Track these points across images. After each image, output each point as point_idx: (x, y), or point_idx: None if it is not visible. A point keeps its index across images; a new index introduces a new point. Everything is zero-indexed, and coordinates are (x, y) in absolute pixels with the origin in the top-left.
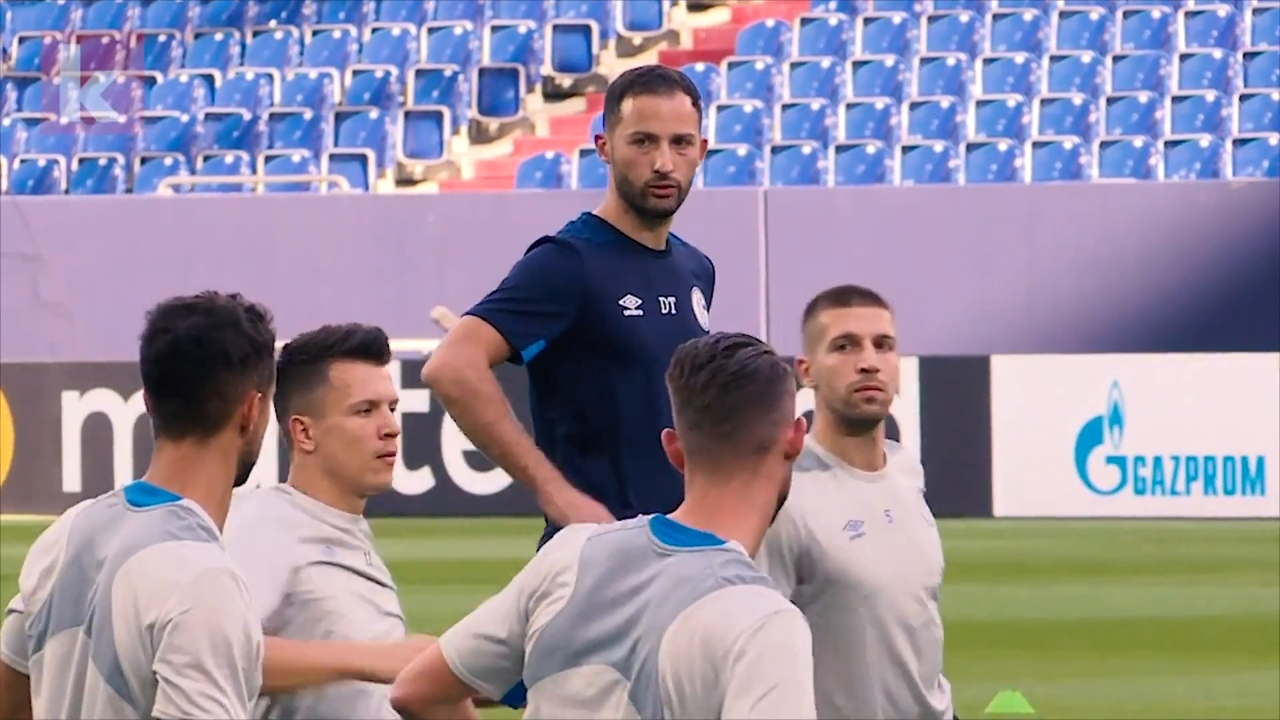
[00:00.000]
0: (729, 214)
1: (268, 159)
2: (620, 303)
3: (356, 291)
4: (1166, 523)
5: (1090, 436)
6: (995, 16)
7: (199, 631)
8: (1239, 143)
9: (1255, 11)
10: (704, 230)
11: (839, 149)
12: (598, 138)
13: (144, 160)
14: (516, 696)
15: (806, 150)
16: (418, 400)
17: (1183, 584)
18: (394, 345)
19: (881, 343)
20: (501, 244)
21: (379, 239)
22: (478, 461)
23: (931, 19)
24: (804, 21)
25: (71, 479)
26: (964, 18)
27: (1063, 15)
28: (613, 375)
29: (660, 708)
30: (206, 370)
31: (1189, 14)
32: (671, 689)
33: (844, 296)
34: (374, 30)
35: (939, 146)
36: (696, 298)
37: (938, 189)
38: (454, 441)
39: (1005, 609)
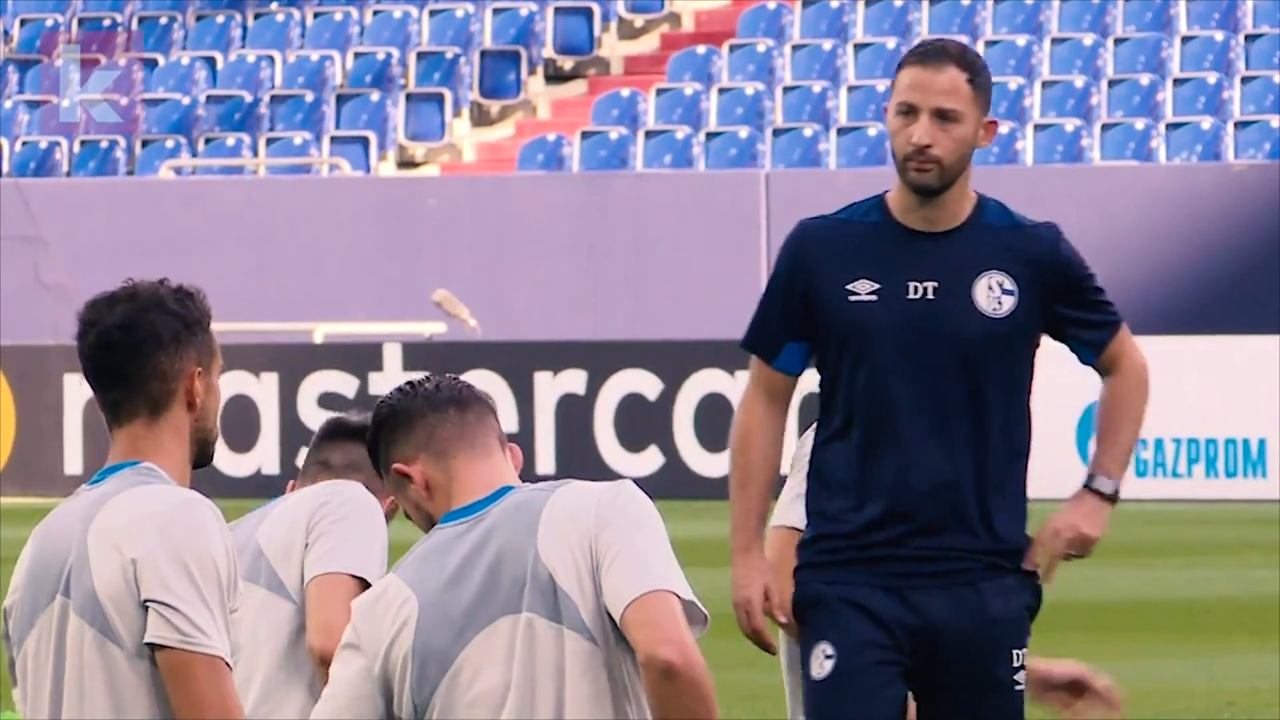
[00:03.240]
0: (730, 197)
1: (269, 141)
2: (848, 287)
3: (358, 274)
4: (1168, 505)
5: (1087, 423)
6: (996, 0)
7: (185, 558)
8: (1240, 125)
9: None
10: (705, 213)
11: (840, 131)
12: (886, 110)
13: (145, 143)
14: None
15: (808, 133)
16: None
17: (1184, 566)
18: (394, 328)
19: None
20: (503, 227)
21: (380, 222)
22: None
23: (933, 1)
24: (805, 4)
25: (73, 462)
26: (965, 1)
27: (1063, 1)
28: (842, 361)
29: (570, 605)
30: (140, 354)
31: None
32: (573, 582)
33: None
34: (375, 12)
35: None
36: (985, 283)
37: None
38: None
39: None
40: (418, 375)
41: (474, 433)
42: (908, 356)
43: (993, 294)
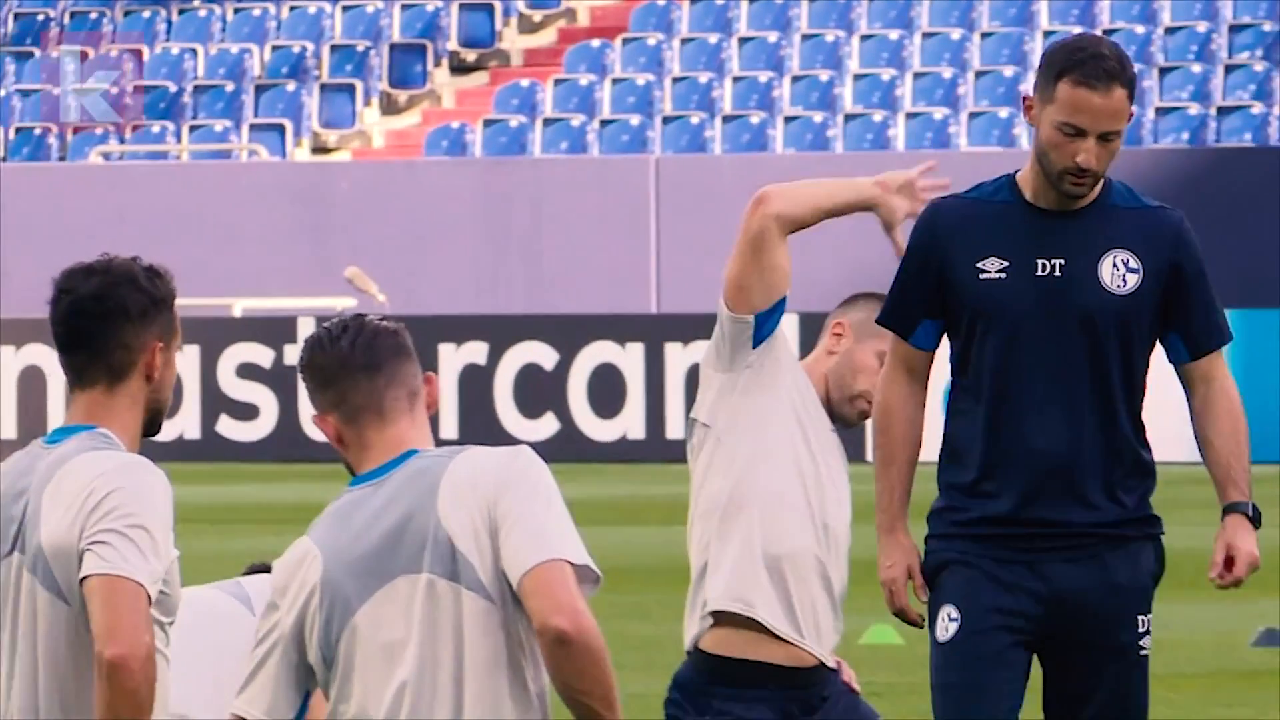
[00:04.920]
0: (623, 180)
1: (192, 129)
2: (978, 265)
3: (274, 252)
4: None
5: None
6: None
7: (127, 504)
8: None
9: None
10: (599, 195)
11: (725, 119)
12: (1026, 99)
13: (76, 130)
14: None
15: (695, 120)
16: None
17: None
18: (308, 303)
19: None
20: (409, 209)
21: (295, 204)
22: None
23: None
24: (693, 0)
25: (8, 428)
26: None
27: None
28: (973, 337)
29: (468, 566)
30: (109, 324)
31: None
32: (471, 544)
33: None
34: (291, 8)
35: (818, 117)
36: (1112, 260)
37: (817, 156)
38: None
39: (874, 548)
40: (341, 320)
41: (383, 398)
42: (1035, 331)
43: (1117, 271)
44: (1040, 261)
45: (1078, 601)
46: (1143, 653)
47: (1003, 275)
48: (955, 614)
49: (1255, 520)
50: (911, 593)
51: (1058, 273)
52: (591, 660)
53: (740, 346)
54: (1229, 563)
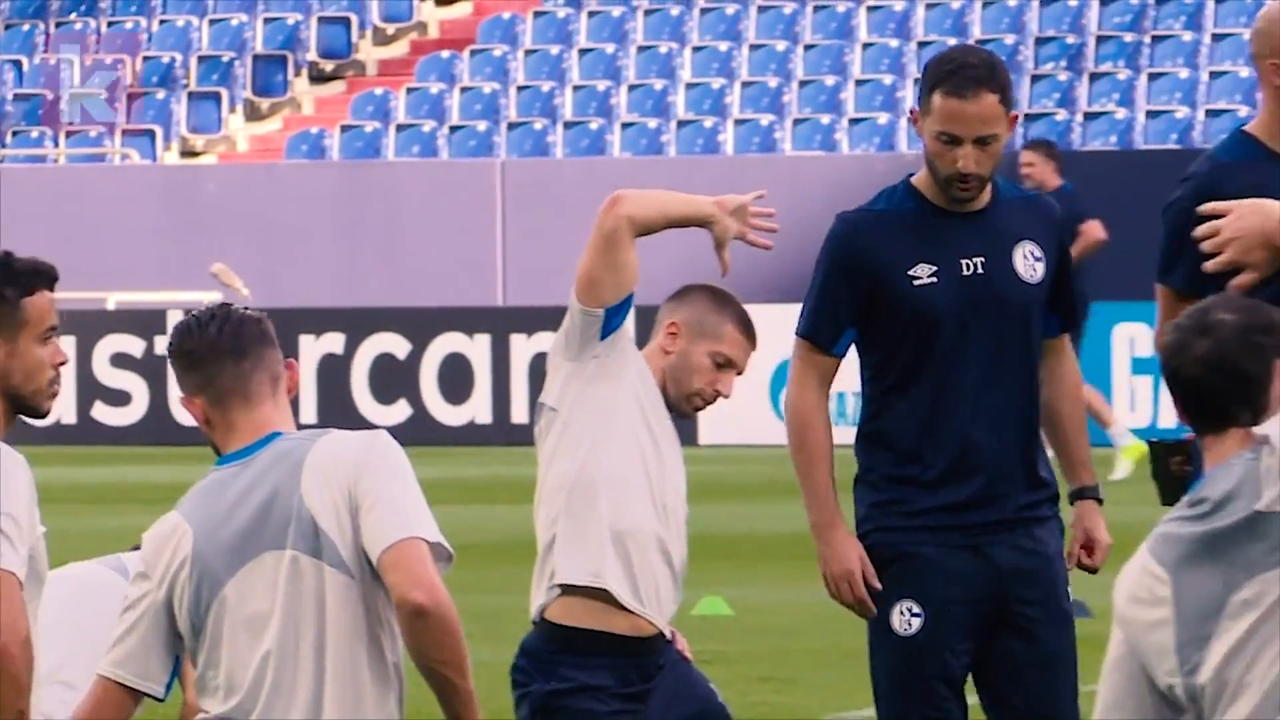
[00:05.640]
0: (471, 183)
1: (68, 134)
2: (910, 273)
3: (145, 249)
4: (847, 448)
5: (783, 376)
6: (702, 10)
7: None
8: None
9: (928, 6)
10: (448, 196)
11: (566, 125)
12: (912, 112)
13: None
14: None
15: (538, 126)
16: None
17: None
18: (178, 296)
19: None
20: (272, 208)
21: (165, 204)
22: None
23: (648, 12)
24: (537, 14)
25: None
26: (675, 11)
27: (761, 9)
28: (907, 339)
29: (330, 543)
30: None
31: (870, 8)
32: (333, 522)
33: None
34: (161, 21)
35: (653, 123)
36: (1021, 253)
37: (652, 160)
38: None
39: (708, 525)
40: (209, 309)
41: (248, 382)
42: (969, 327)
43: (1028, 262)
44: (964, 261)
45: (1023, 579)
46: (1073, 617)
47: (934, 280)
48: (917, 609)
49: (1101, 501)
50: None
51: (980, 270)
52: (447, 632)
53: (589, 338)
54: (1087, 549)
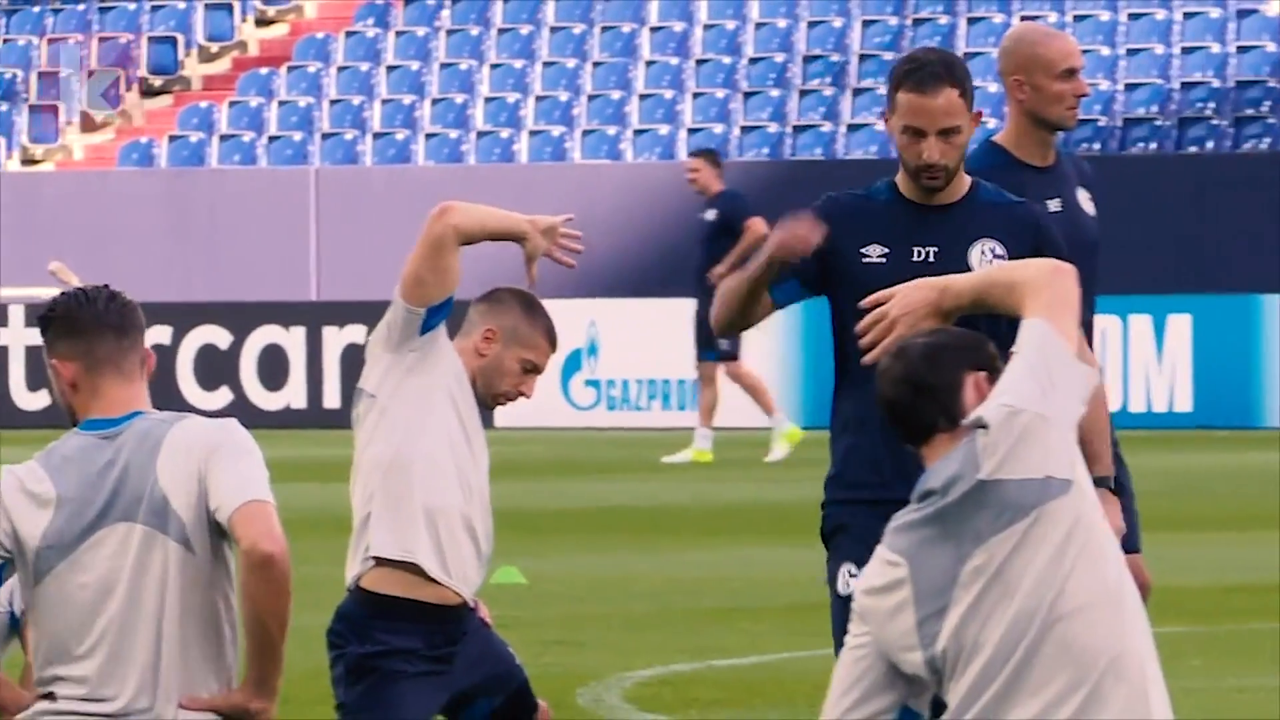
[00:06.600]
0: (287, 189)
1: None
2: (862, 251)
3: None
4: (631, 432)
5: (572, 364)
6: (500, 30)
7: None
8: (691, 131)
9: (705, 28)
10: (267, 201)
11: (375, 136)
12: (884, 113)
13: None
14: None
15: (349, 137)
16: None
17: (643, 480)
18: (19, 292)
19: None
20: (105, 211)
21: (7, 208)
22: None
23: (449, 32)
24: (348, 34)
25: None
26: (474, 31)
27: (553, 30)
28: (853, 315)
29: (176, 519)
30: None
31: (653, 29)
32: (182, 500)
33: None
34: (4, 40)
35: (454, 134)
36: (980, 249)
37: (454, 168)
38: None
39: (504, 501)
40: (96, 287)
41: (123, 358)
42: None
43: (985, 258)
44: (916, 249)
45: None
46: None
47: (883, 260)
48: (856, 571)
49: (1116, 491)
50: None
51: (931, 259)
52: (284, 586)
53: (409, 334)
54: None
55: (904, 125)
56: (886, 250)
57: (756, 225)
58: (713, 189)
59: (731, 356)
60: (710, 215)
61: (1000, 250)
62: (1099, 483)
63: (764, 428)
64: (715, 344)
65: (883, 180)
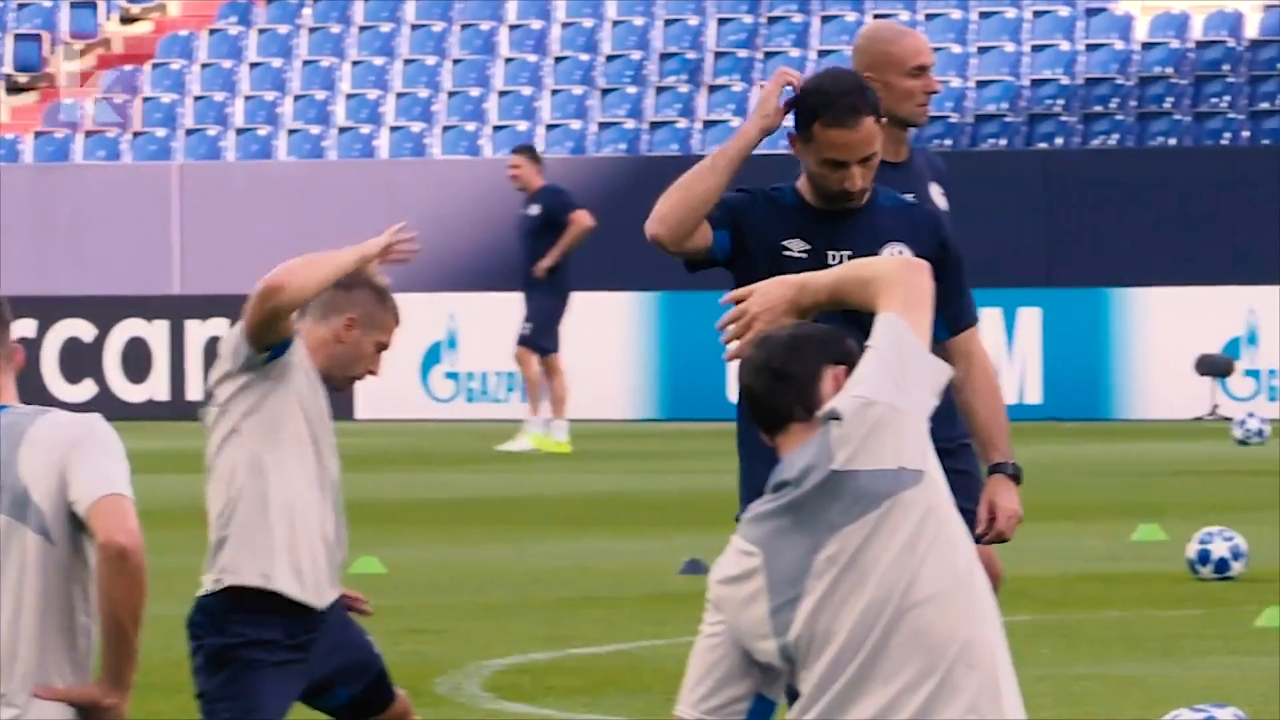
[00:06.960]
0: (151, 184)
1: None
2: (784, 243)
3: None
4: (489, 424)
5: (432, 357)
6: (360, 28)
7: None
8: (550, 127)
9: (563, 25)
10: (129, 196)
11: (238, 131)
12: (790, 136)
13: None
14: None
15: (212, 133)
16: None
17: (501, 471)
18: None
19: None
20: None
21: None
22: None
23: (311, 30)
24: (211, 31)
25: None
26: (335, 29)
27: (413, 27)
28: None
29: (38, 512)
30: None
31: (511, 27)
32: (43, 493)
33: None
34: None
35: (316, 130)
36: (888, 251)
37: (315, 163)
38: None
39: (364, 492)
40: None
41: None
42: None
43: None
44: (831, 252)
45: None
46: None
47: (804, 256)
48: None
49: (1016, 477)
50: None
51: (844, 262)
52: (138, 580)
53: (254, 364)
54: (992, 519)
55: (824, 159)
56: (808, 248)
57: (581, 218)
58: (534, 185)
59: (550, 350)
60: (534, 210)
61: (908, 253)
62: (998, 469)
63: (625, 419)
64: (552, 339)
65: (786, 184)
